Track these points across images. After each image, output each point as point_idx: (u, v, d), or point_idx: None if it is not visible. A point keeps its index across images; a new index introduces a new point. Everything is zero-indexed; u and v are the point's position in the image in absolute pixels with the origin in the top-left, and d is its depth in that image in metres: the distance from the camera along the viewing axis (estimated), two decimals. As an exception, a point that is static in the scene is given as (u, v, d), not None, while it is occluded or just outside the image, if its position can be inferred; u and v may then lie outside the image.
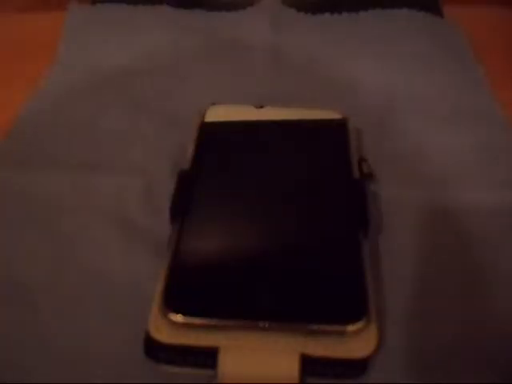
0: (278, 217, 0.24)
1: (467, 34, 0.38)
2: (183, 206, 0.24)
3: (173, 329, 0.20)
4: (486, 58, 0.36)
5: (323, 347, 0.20)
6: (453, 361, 0.21)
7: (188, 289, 0.21)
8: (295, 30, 0.39)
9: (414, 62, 0.36)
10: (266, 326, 0.20)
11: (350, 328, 0.20)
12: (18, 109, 0.32)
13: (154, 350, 0.20)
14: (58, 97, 0.33)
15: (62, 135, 0.31)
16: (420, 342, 0.22)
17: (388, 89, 0.34)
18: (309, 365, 0.20)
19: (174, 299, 0.20)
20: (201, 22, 0.40)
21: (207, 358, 0.20)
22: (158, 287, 0.21)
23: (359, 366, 0.20)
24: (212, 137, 0.28)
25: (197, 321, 0.20)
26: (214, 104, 0.30)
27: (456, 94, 0.34)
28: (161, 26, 0.39)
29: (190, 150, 0.27)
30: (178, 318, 0.20)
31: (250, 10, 0.41)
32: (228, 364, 0.19)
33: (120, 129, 0.31)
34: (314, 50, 0.37)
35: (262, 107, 0.30)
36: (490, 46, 0.38)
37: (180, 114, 0.32)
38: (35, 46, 0.37)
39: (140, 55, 0.36)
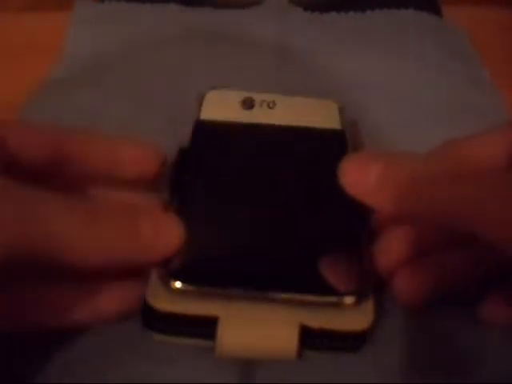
0: (276, 205, 0.24)
1: (467, 34, 0.39)
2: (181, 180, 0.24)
3: (171, 296, 0.20)
4: (486, 58, 0.37)
5: (322, 319, 0.20)
6: (452, 361, 0.21)
7: (188, 257, 0.21)
8: (302, 28, 0.39)
9: (417, 61, 0.36)
10: (267, 295, 0.20)
11: (347, 300, 0.20)
12: (18, 110, 0.31)
13: (152, 318, 0.20)
14: (60, 91, 0.33)
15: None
16: (420, 340, 0.22)
17: (391, 88, 0.34)
18: (307, 337, 0.20)
19: (174, 266, 0.20)
20: (207, 19, 0.40)
21: (206, 327, 0.20)
22: None
23: (357, 340, 0.20)
24: (206, 138, 0.27)
25: (196, 289, 0.20)
26: (213, 88, 0.29)
27: (458, 94, 0.34)
28: (167, 23, 0.39)
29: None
30: (178, 285, 0.19)
31: (257, 9, 0.41)
32: (227, 334, 0.19)
33: (123, 126, 0.31)
34: (320, 49, 0.37)
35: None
36: (490, 45, 0.38)
37: (184, 110, 0.31)
38: (35, 47, 0.37)
39: (146, 52, 0.37)
